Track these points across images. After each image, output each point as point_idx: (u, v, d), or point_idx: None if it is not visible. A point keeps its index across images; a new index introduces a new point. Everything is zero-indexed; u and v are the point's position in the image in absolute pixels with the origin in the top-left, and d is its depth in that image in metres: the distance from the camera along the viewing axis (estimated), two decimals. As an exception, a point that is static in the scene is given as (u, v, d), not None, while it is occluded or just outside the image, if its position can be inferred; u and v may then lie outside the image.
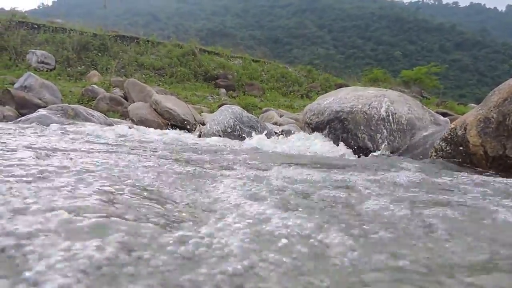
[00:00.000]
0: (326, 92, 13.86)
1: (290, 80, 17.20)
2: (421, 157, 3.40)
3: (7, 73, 9.85)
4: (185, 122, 7.48)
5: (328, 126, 4.42)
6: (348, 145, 4.15)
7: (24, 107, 6.98)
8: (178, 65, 14.64)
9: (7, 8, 16.13)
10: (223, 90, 14.10)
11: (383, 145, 3.98)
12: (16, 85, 7.96)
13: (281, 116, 10.50)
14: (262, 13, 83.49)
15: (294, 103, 14.12)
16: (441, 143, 3.19)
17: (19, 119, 3.46)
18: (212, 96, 13.00)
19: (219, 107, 8.16)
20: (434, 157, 3.19)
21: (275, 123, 9.11)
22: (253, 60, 18.08)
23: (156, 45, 15.61)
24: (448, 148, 3.12)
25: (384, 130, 4.06)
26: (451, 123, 3.42)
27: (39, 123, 2.96)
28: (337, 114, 4.35)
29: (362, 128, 4.12)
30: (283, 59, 32.49)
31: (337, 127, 4.33)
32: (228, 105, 6.37)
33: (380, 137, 4.04)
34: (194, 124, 7.63)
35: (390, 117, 4.12)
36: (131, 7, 79.97)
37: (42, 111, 3.74)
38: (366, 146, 4.06)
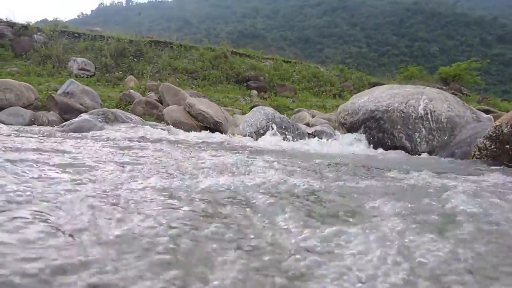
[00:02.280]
0: (359, 91, 13.59)
1: (322, 80, 16.99)
2: (463, 156, 3.25)
3: (51, 80, 10.39)
4: (218, 124, 7.57)
5: (363, 126, 4.32)
6: (384, 145, 4.04)
7: (67, 112, 7.34)
8: (210, 68, 14.86)
9: (50, 18, 17.07)
10: (254, 92, 14.15)
11: (422, 145, 3.84)
12: (59, 91, 8.38)
13: (313, 117, 10.38)
14: (292, 13, 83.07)
15: (326, 103, 13.94)
16: (485, 141, 3.04)
17: (63, 123, 3.64)
18: (244, 98, 13.08)
19: (251, 109, 8.20)
20: (477, 157, 3.04)
21: (307, 124, 9.03)
22: (284, 61, 18.02)
23: (188, 49, 15.92)
24: (493, 147, 2.96)
25: (423, 129, 3.92)
26: (494, 120, 3.24)
27: (80, 128, 3.12)
28: (372, 113, 4.25)
29: (399, 127, 4.00)
30: (315, 59, 32.19)
31: (372, 126, 4.23)
32: (260, 107, 6.40)
33: (418, 136, 3.90)
34: (227, 125, 7.71)
35: (429, 115, 3.97)
36: (164, 12, 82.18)
37: (84, 116, 3.92)
38: (403, 145, 3.94)
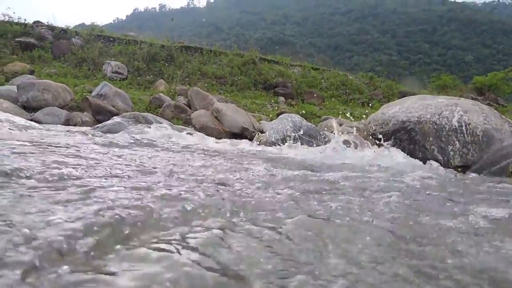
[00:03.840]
0: (388, 100, 13.34)
1: (351, 88, 16.78)
2: (500, 172, 3.10)
3: (86, 82, 10.80)
4: (244, 130, 7.61)
5: (393, 137, 4.22)
6: (414, 157, 3.92)
7: (99, 114, 7.60)
8: (239, 74, 15.01)
9: (88, 23, 17.82)
10: (282, 98, 14.15)
11: (455, 158, 3.70)
12: (93, 93, 8.70)
13: (341, 125, 10.25)
14: (322, 20, 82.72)
15: (354, 112, 13.73)
16: (525, 158, 2.89)
17: (97, 125, 3.77)
18: (271, 104, 13.10)
19: (277, 115, 8.20)
20: (516, 173, 2.90)
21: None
22: (312, 68, 17.94)
23: (218, 55, 16.15)
24: (533, 164, 2.81)
25: (456, 142, 3.78)
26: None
27: (111, 130, 3.23)
28: (403, 124, 4.14)
29: (431, 139, 3.87)
30: (343, 66, 31.85)
31: (403, 138, 4.12)
32: (287, 114, 6.37)
33: (451, 149, 3.76)
34: (253, 132, 7.73)
35: (463, 128, 3.83)
36: (195, 18, 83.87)
37: (117, 119, 4.04)
38: (435, 158, 3.81)
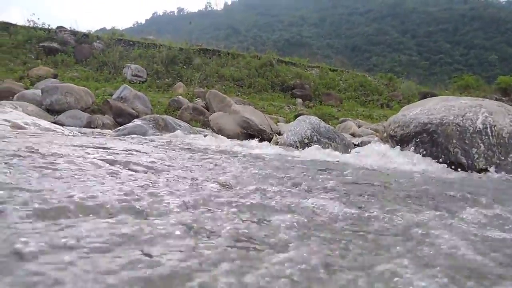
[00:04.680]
0: (408, 101, 13.07)
1: (369, 89, 16.56)
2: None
3: (107, 85, 11.04)
4: (262, 132, 7.61)
5: (414, 139, 4.13)
6: (437, 160, 3.82)
7: (119, 116, 7.75)
8: (256, 76, 15.04)
9: (108, 27, 18.24)
10: (299, 100, 14.09)
11: (480, 161, 3.58)
12: (114, 96, 8.88)
13: (359, 127, 10.13)
14: (339, 21, 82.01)
15: (373, 113, 13.55)
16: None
17: (118, 128, 3.83)
18: (288, 106, 13.07)
19: (295, 117, 8.16)
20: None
21: (353, 134, 8.81)
22: (330, 69, 17.81)
23: (235, 57, 16.23)
24: None
25: (481, 144, 3.66)
26: None
27: (137, 133, 3.29)
28: (425, 126, 4.04)
29: (454, 141, 3.76)
30: (362, 67, 31.46)
31: (425, 140, 4.02)
32: (305, 116, 6.33)
33: (476, 152, 3.65)
34: (270, 133, 7.72)
35: (488, 130, 3.71)
36: (213, 21, 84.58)
37: (137, 121, 4.10)
38: (458, 161, 3.70)
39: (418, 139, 4.11)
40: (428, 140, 4.01)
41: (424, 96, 13.16)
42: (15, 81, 9.98)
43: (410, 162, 3.77)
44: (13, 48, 12.95)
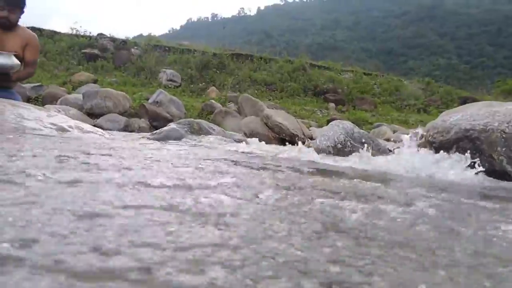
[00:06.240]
0: (447, 106, 12.55)
1: (405, 94, 16.07)
2: None
3: (143, 90, 11.39)
4: (294, 136, 7.56)
5: (455, 146, 3.94)
6: (480, 169, 3.63)
7: (155, 120, 7.96)
8: (289, 80, 15.00)
9: (145, 33, 18.89)
10: (332, 105, 13.91)
11: (528, 171, 3.36)
12: (149, 100, 9.14)
13: (394, 132, 9.84)
14: (374, 24, 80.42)
15: (409, 118, 13.12)
16: None
17: (154, 131, 3.93)
18: (321, 111, 12.93)
19: (327, 122, 8.05)
20: None
21: (387, 140, 8.57)
22: (364, 73, 17.46)
23: (268, 62, 16.28)
24: None
25: (529, 153, 3.44)
26: None
27: (169, 136, 3.36)
28: (466, 133, 3.85)
29: (499, 149, 3.56)
30: (397, 71, 30.58)
31: (466, 147, 3.83)
32: (338, 121, 6.21)
33: (523, 161, 3.43)
34: (303, 138, 7.65)
35: (537, 138, 3.48)
36: (246, 26, 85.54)
37: (172, 125, 4.19)
38: (504, 169, 3.49)
39: (459, 146, 3.93)
40: (470, 147, 3.81)
41: (464, 101, 12.60)
42: (59, 86, 10.52)
43: (452, 170, 3.60)
44: (57, 54, 13.68)
